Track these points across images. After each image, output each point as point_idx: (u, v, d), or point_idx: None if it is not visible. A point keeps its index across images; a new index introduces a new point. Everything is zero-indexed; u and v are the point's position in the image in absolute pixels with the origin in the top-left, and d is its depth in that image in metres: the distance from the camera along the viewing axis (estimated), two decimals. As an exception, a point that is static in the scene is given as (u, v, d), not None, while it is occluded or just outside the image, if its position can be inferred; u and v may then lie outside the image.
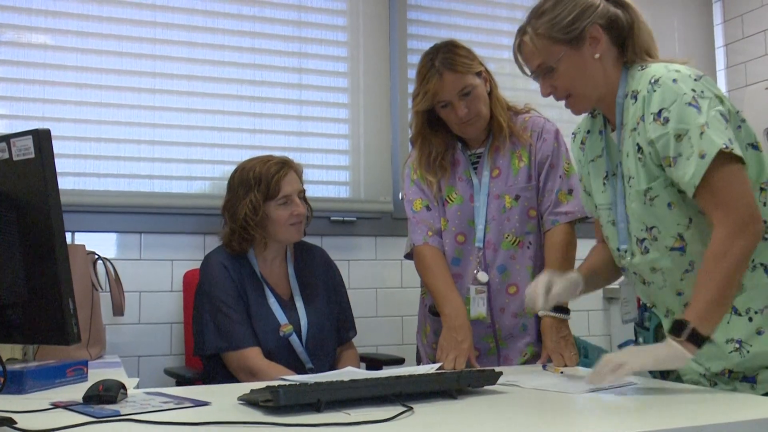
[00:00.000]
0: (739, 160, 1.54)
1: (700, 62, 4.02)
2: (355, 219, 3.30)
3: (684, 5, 4.05)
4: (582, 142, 1.94)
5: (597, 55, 1.71)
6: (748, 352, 1.60)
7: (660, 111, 1.60)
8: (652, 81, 1.63)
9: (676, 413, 1.41)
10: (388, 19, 3.43)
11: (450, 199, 2.30)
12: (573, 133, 1.99)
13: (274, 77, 3.24)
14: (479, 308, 2.23)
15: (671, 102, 1.58)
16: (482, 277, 2.24)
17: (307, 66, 3.30)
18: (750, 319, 1.61)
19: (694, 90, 1.58)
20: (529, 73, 1.80)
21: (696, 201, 1.59)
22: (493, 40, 3.62)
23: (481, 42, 3.57)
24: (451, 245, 2.28)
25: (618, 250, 1.79)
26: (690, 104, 1.57)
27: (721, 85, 4.05)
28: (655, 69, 1.66)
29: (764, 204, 1.63)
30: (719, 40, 4.08)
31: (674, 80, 1.60)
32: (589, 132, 1.91)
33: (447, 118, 2.24)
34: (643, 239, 1.72)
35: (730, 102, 1.66)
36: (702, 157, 1.53)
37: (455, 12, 3.59)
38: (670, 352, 1.53)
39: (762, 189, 1.64)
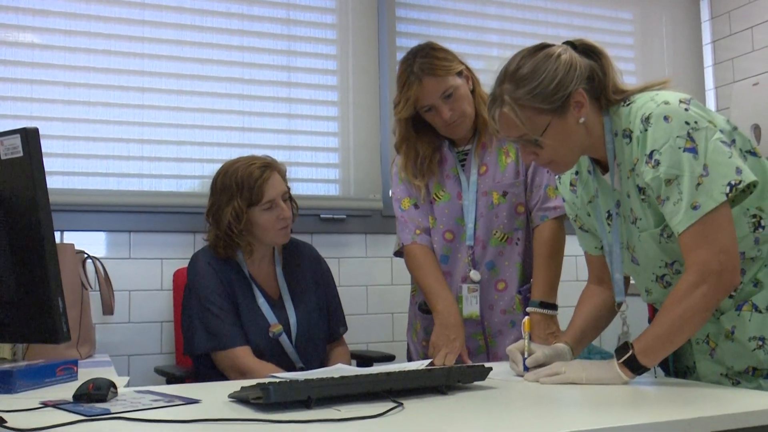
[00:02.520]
0: (750, 185, 1.53)
1: (688, 59, 4.04)
2: (344, 216, 3.30)
3: (671, 2, 4.07)
4: (572, 184, 1.89)
5: (582, 120, 1.64)
6: None
7: (651, 153, 1.56)
8: (643, 119, 1.58)
9: (668, 407, 1.42)
10: (376, 16, 3.43)
11: (437, 196, 2.30)
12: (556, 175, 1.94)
13: (263, 75, 3.24)
14: (471, 307, 2.24)
15: (662, 143, 1.54)
16: (475, 275, 2.25)
17: (295, 64, 3.30)
18: None
19: (687, 123, 1.54)
20: (505, 139, 1.74)
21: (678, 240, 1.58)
22: (483, 38, 3.62)
23: (470, 39, 3.57)
24: (439, 243, 2.29)
25: (647, 291, 1.79)
26: (685, 149, 1.53)
27: (709, 81, 4.06)
28: (643, 104, 1.61)
29: None
30: (707, 36, 4.10)
31: (665, 117, 1.55)
32: (577, 173, 1.86)
33: (432, 121, 2.23)
34: (663, 275, 1.71)
35: (721, 118, 1.63)
36: (694, 208, 1.51)
37: (444, 9, 3.59)
38: (609, 372, 1.62)
39: None
